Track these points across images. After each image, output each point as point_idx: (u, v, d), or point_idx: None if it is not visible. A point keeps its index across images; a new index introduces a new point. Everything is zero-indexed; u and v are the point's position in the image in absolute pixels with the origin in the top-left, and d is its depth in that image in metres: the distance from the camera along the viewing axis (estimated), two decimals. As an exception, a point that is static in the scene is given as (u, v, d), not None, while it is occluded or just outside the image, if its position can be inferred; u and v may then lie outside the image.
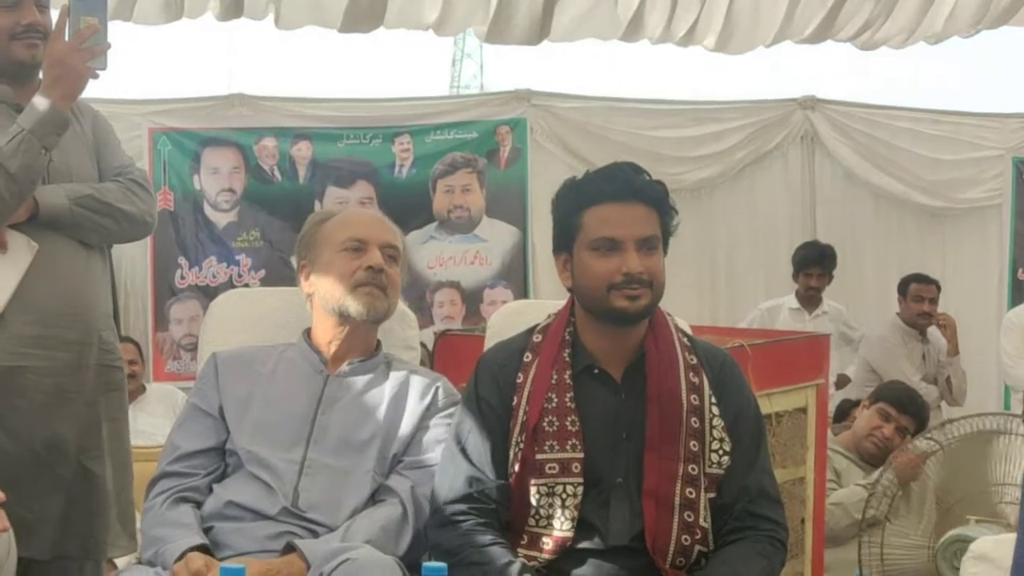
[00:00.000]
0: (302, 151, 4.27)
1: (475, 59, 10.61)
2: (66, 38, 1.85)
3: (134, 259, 4.15)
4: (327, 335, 1.70)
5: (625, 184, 1.54)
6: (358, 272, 1.65)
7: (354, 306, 1.63)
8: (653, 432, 1.52)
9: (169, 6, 3.27)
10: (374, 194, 4.35)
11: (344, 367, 1.71)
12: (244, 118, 4.29)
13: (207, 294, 4.03)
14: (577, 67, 6.61)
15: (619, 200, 1.52)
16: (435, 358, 2.51)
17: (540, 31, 3.69)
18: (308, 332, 1.74)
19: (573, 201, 1.56)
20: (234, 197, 4.25)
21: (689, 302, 4.16)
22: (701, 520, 1.52)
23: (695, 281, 4.45)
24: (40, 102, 1.86)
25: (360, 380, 1.72)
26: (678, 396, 1.54)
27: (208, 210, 4.24)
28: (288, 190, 4.29)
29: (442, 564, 1.24)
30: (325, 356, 1.71)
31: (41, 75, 1.90)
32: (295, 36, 3.63)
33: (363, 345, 1.73)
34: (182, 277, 4.21)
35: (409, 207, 4.28)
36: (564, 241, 1.55)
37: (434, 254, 4.34)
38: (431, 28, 3.48)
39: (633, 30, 3.91)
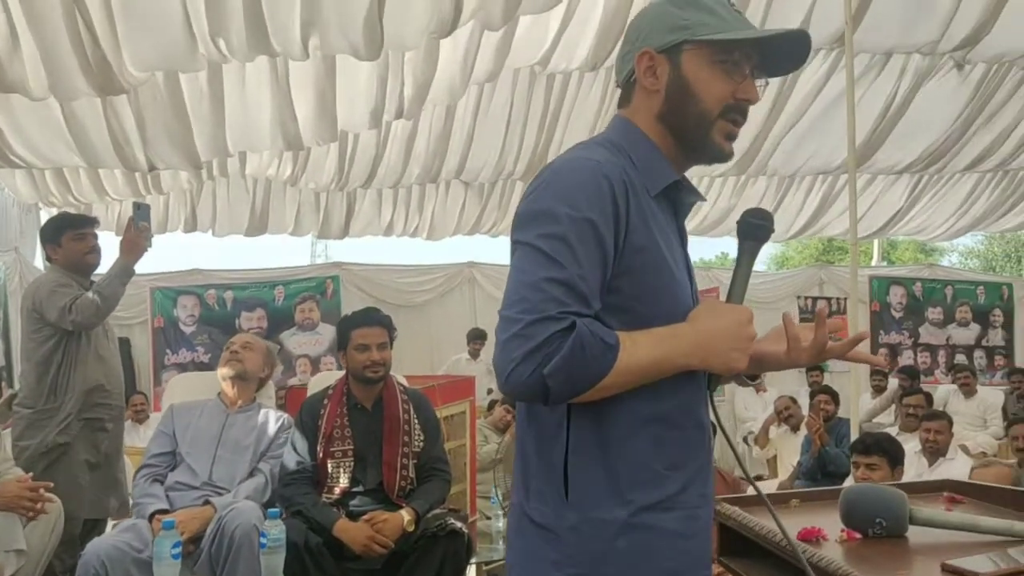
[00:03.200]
0: (229, 295, 8.59)
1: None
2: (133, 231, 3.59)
3: (144, 350, 8.24)
4: (228, 393, 3.32)
5: (371, 317, 3.20)
6: (227, 355, 3.38)
7: (225, 370, 3.32)
8: (386, 433, 3.06)
9: (160, 225, 7.53)
10: (265, 315, 8.65)
11: (237, 408, 3.30)
12: (198, 279, 8.57)
13: (180, 368, 8.10)
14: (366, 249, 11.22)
15: (368, 325, 3.16)
16: (287, 399, 4.74)
17: (345, 232, 8.24)
18: (220, 393, 3.34)
19: (345, 325, 3.20)
20: (194, 319, 8.47)
21: (416, 363, 8.46)
22: (410, 473, 3.06)
23: (418, 352, 8.81)
24: (121, 261, 3.58)
25: (245, 415, 3.27)
26: (398, 415, 3.10)
27: (180, 325, 8.41)
28: (222, 314, 8.53)
29: (276, 509, 2.74)
30: (228, 403, 3.29)
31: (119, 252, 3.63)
32: (223, 238, 8.04)
33: (246, 397, 3.34)
34: (168, 359, 8.29)
35: (283, 320, 8.58)
36: (342, 343, 3.19)
37: (298, 341, 8.59)
38: (290, 232, 8.00)
39: (390, 230, 8.55)
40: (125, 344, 8.08)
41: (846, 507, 1.52)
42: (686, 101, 1.34)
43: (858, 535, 1.50)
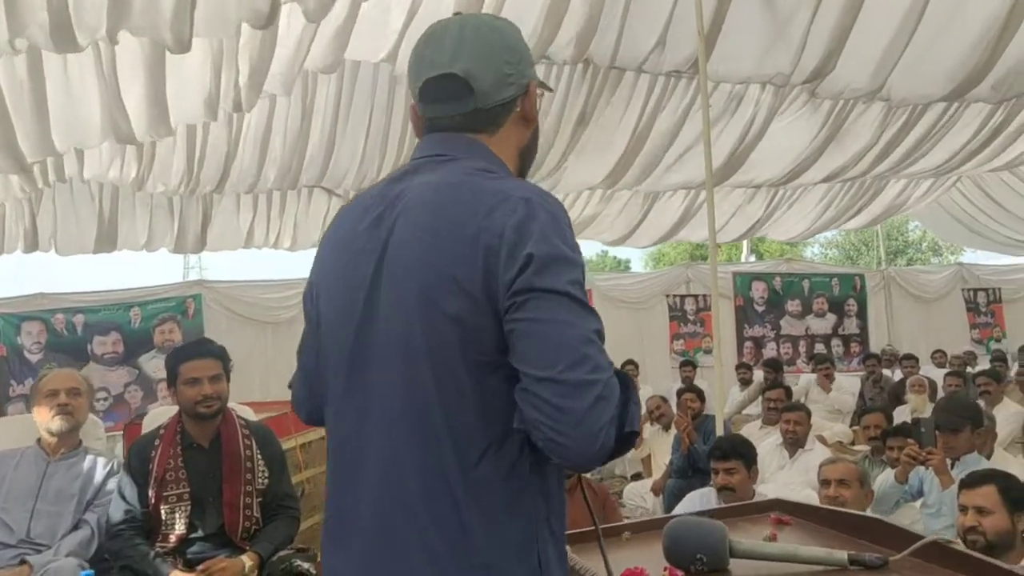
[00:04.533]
0: (79, 319, 8.01)
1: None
2: None
3: (-16, 380, 7.60)
4: (47, 439, 3.02)
5: (201, 348, 2.96)
6: (54, 407, 2.99)
7: (55, 425, 3.00)
8: (226, 472, 2.80)
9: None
10: (120, 338, 8.13)
11: (59, 456, 2.98)
12: (44, 303, 7.94)
13: (27, 399, 7.49)
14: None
15: (198, 357, 2.89)
16: (126, 434, 4.77)
17: (202, 243, 7.80)
18: (39, 439, 3.04)
19: (173, 359, 2.91)
20: (40, 346, 7.86)
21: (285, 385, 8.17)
22: (255, 512, 2.82)
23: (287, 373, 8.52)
24: None
25: (68, 462, 2.96)
26: (238, 451, 2.84)
27: (26, 354, 7.80)
28: (72, 340, 7.95)
29: (90, 571, 2.43)
30: (49, 450, 2.99)
31: None
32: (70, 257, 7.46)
33: (70, 443, 3.01)
34: (12, 390, 7.66)
35: (141, 343, 8.08)
36: (171, 379, 2.90)
37: (157, 365, 8.09)
38: (144, 247, 7.53)
39: (250, 240, 8.14)
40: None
41: (667, 543, 1.48)
42: (536, 139, 1.37)
43: (680, 572, 1.46)
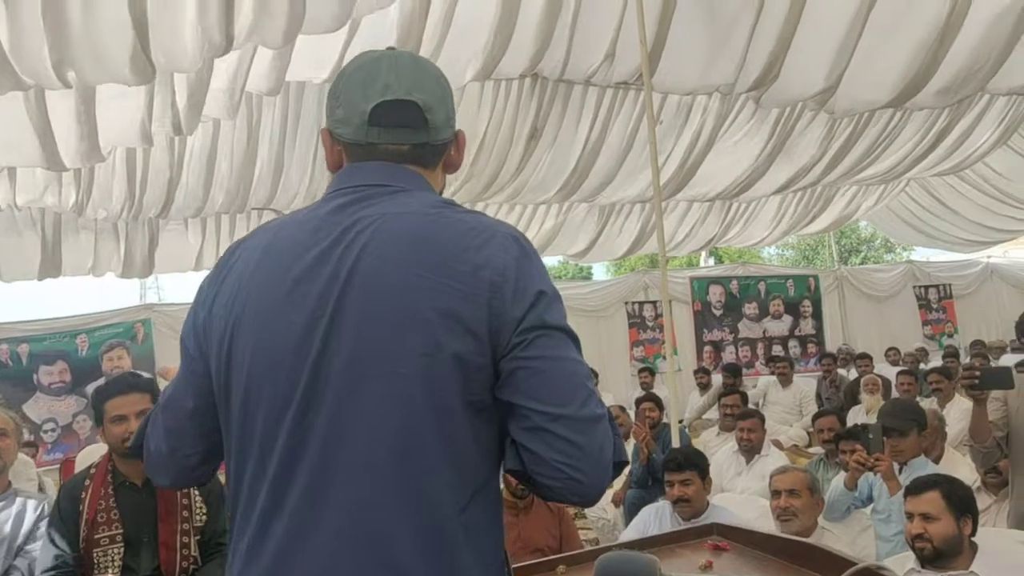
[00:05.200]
0: (24, 348, 7.78)
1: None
2: None
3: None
4: None
5: (126, 383, 2.79)
6: None
7: None
8: (161, 511, 2.71)
9: None
10: (67, 367, 7.91)
11: None
12: (-16, 333, 7.73)
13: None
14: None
15: (123, 393, 2.75)
16: (63, 471, 5.17)
17: (150, 267, 7.66)
18: None
19: (97, 397, 2.79)
20: (-23, 377, 7.60)
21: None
22: (192, 551, 2.69)
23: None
24: None
25: None
26: (172, 491, 2.65)
27: (-38, 386, 7.53)
28: (17, 370, 7.70)
29: None
30: None
31: None
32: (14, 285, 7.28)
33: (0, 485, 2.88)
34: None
35: (89, 371, 7.86)
36: (98, 418, 2.80)
37: (106, 393, 7.90)
38: (90, 272, 7.34)
39: (199, 263, 8.02)
40: None
41: (598, 582, 1.44)
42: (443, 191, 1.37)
43: (611, 610, 1.42)
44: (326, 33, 3.71)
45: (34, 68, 3.02)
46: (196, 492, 2.83)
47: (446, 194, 1.36)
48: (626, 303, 9.96)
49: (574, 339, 1.17)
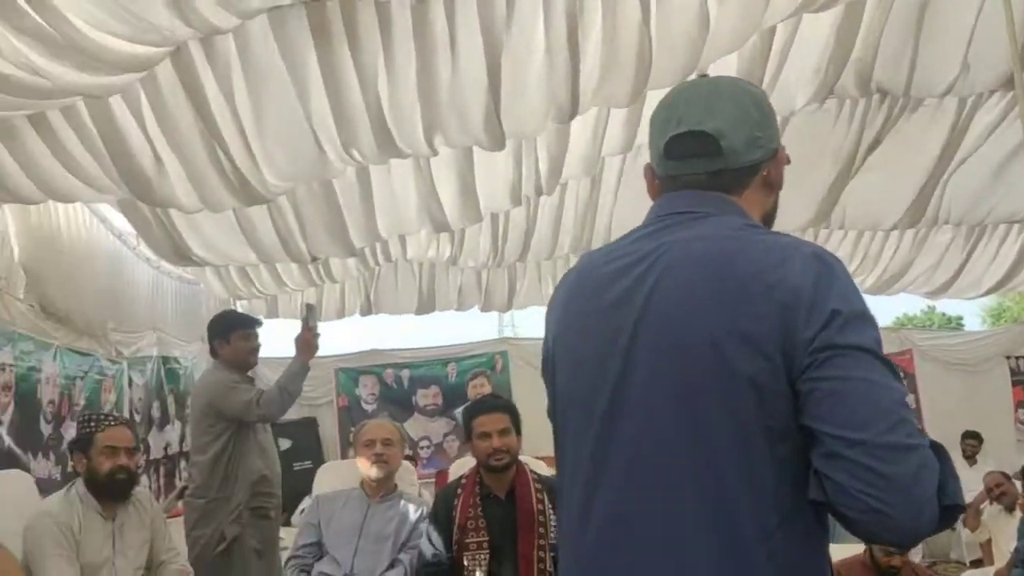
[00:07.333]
0: (405, 373, 8.89)
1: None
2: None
3: (330, 428, 8.66)
4: (369, 484, 3.38)
5: (490, 403, 3.21)
6: (371, 456, 3.38)
7: (372, 472, 3.37)
8: (520, 523, 2.92)
9: (338, 312, 8.00)
10: (440, 391, 8.86)
11: (377, 499, 3.37)
12: (377, 359, 8.89)
13: (362, 444, 8.46)
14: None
15: (487, 412, 3.11)
16: (437, 481, 5.78)
17: (508, 305, 8.30)
18: (362, 482, 3.41)
19: (467, 413, 3.19)
20: (375, 397, 8.75)
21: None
22: (548, 567, 2.84)
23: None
24: (299, 360, 3.85)
25: (385, 505, 3.33)
26: (531, 505, 2.96)
27: (363, 404, 8.75)
28: (399, 392, 8.80)
29: None
30: (369, 493, 3.38)
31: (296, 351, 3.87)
32: (393, 318, 8.31)
33: (388, 488, 3.40)
34: (352, 436, 8.68)
35: (457, 396, 8.69)
36: (467, 433, 3.16)
37: (469, 416, 8.72)
38: (457, 307, 8.17)
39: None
40: (312, 423, 8.55)
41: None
42: (776, 207, 1.34)
43: None
44: (670, 87, 3.76)
45: (409, 136, 3.42)
46: (551, 510, 2.99)
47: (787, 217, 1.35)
48: (1008, 357, 8.66)
49: (884, 362, 1.08)
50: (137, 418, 5.71)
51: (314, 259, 4.78)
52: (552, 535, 2.95)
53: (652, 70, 3.16)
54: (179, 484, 5.97)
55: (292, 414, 5.43)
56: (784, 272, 1.11)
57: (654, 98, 4.19)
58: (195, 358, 6.89)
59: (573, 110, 3.20)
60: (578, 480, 1.24)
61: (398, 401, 8.69)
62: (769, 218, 1.34)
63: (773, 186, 1.31)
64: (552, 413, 1.35)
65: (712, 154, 1.26)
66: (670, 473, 1.13)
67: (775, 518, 1.09)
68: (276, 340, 5.42)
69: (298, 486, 5.64)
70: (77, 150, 2.91)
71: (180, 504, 4.28)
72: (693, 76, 1.40)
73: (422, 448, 8.54)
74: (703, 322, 1.12)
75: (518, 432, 3.10)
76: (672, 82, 3.54)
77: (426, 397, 8.81)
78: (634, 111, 4.00)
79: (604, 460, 1.20)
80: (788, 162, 1.34)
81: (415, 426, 8.62)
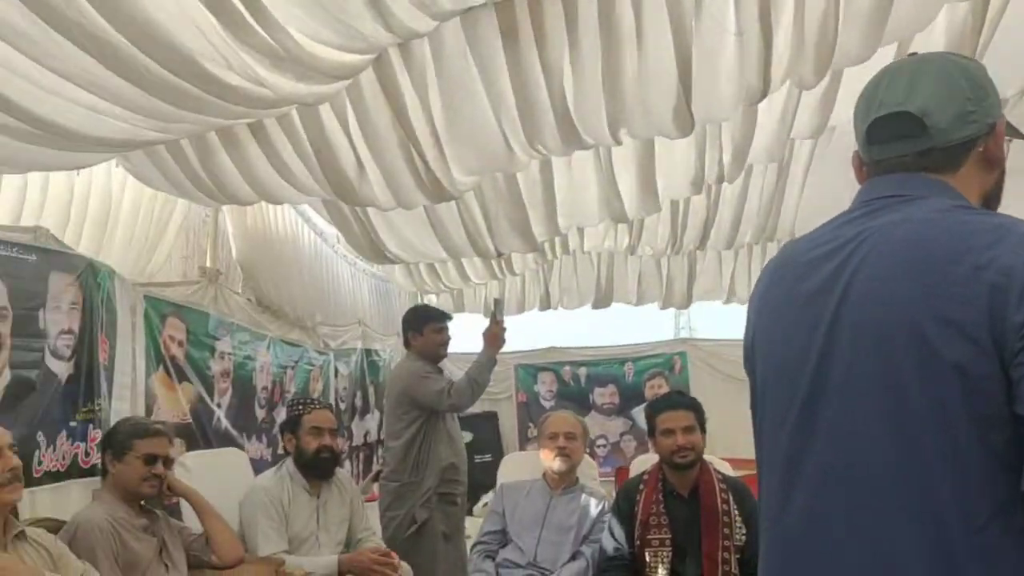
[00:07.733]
0: (583, 371, 8.94)
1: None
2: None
3: (510, 422, 8.87)
4: (551, 477, 3.45)
5: (674, 401, 3.17)
6: (554, 448, 3.44)
7: (555, 465, 3.44)
8: (704, 524, 2.90)
9: (519, 305, 8.18)
10: (616, 390, 8.84)
11: (560, 491, 3.45)
12: (555, 356, 8.96)
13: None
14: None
15: (671, 409, 3.11)
16: (617, 477, 5.78)
17: (688, 299, 8.12)
18: (544, 473, 3.46)
19: (650, 409, 3.19)
20: (553, 393, 8.80)
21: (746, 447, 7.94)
22: (733, 568, 2.84)
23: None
24: (487, 352, 4.04)
25: (567, 497, 3.39)
26: (716, 505, 2.94)
27: (541, 400, 8.84)
28: (576, 389, 8.85)
29: None
30: (552, 484, 3.44)
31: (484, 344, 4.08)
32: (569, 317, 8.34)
33: (569, 480, 3.47)
34: (530, 431, 8.79)
35: (633, 395, 8.65)
36: (650, 429, 3.15)
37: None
38: (634, 302, 8.10)
39: (731, 295, 8.31)
40: (493, 418, 8.79)
41: None
42: (1001, 185, 1.26)
43: None
44: (857, 65, 3.54)
45: (594, 128, 3.43)
46: (737, 511, 2.93)
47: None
48: None
49: None
50: (342, 406, 6.12)
51: (499, 255, 4.92)
52: (738, 536, 2.88)
53: (836, 48, 3.01)
54: (374, 468, 6.33)
55: (475, 408, 5.62)
56: (995, 253, 1.05)
57: (849, 78, 3.99)
58: (392, 351, 7.28)
59: (764, 91, 3.10)
60: (777, 467, 1.24)
61: (575, 398, 8.73)
62: (991, 197, 1.26)
63: (993, 162, 1.23)
64: (752, 404, 1.34)
65: (916, 134, 1.22)
66: (872, 461, 1.11)
67: (986, 510, 1.03)
68: (463, 334, 5.61)
69: (479, 478, 5.83)
70: (288, 154, 3.16)
71: (375, 488, 4.53)
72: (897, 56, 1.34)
73: (599, 447, 8.55)
74: (904, 308, 1.09)
75: (703, 430, 3.05)
76: (858, 60, 3.34)
77: (603, 396, 8.82)
78: (829, 92, 3.81)
79: (803, 448, 1.19)
80: (1011, 140, 1.30)
81: (592, 424, 8.53)
